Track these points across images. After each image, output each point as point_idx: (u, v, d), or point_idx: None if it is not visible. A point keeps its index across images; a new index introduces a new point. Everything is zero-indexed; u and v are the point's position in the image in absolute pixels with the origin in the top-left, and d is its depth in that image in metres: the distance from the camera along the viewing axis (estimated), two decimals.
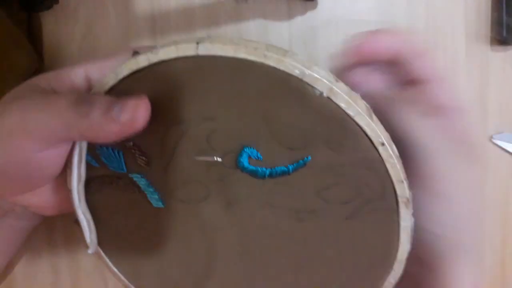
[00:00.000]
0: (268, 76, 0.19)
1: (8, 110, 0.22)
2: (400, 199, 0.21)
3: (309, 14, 0.35)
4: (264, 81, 0.19)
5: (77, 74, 0.24)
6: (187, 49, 0.20)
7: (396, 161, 0.20)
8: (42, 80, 0.24)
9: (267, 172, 0.21)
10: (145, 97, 0.21)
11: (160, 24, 0.35)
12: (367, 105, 0.20)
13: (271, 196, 0.22)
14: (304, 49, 0.36)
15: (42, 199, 0.25)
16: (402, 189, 0.20)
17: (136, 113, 0.21)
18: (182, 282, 0.26)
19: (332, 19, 0.35)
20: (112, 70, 0.22)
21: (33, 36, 0.35)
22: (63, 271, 0.37)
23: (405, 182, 0.20)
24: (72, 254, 0.37)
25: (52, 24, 0.35)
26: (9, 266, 0.37)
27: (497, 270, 0.39)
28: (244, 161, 0.22)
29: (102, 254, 0.27)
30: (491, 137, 0.37)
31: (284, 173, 0.21)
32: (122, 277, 0.27)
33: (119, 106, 0.20)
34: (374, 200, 0.21)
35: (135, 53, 0.23)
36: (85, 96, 0.21)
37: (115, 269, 0.27)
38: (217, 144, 0.22)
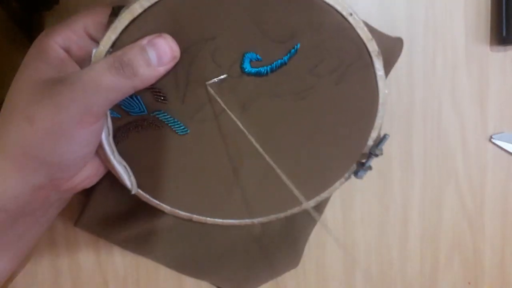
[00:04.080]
0: None
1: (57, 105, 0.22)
2: (372, 54, 0.26)
3: None
4: None
5: (79, 27, 0.25)
6: None
7: (363, 25, 0.25)
8: (51, 51, 0.24)
9: (269, 68, 0.25)
10: (162, 32, 0.23)
11: None
12: None
13: (275, 88, 0.26)
14: None
15: (89, 170, 0.26)
16: (372, 45, 0.25)
17: (171, 49, 0.23)
18: (216, 184, 0.29)
19: None
20: (110, 26, 0.23)
21: (34, 37, 0.35)
22: (64, 271, 0.37)
23: (373, 40, 0.25)
24: (73, 253, 0.37)
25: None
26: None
27: (497, 270, 0.39)
28: (247, 66, 0.25)
29: (142, 192, 0.29)
30: (491, 137, 0.37)
31: (282, 65, 0.25)
32: (165, 206, 0.30)
33: (152, 51, 0.23)
34: (354, 61, 0.26)
35: (115, 8, 0.25)
36: (115, 58, 0.23)
37: (157, 201, 0.30)
38: (222, 60, 0.25)
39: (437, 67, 0.36)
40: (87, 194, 0.34)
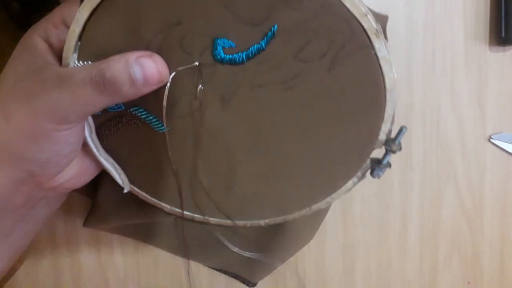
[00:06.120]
0: None
1: (29, 96, 0.22)
2: (369, 32, 0.22)
3: None
4: None
5: (57, 20, 0.25)
6: None
7: None
8: (37, 36, 0.24)
9: (244, 55, 0.22)
10: (154, 53, 0.22)
11: None
12: None
13: (256, 78, 0.23)
14: None
15: (74, 170, 0.26)
16: (368, 22, 0.21)
17: (159, 73, 0.22)
18: (217, 186, 0.27)
19: None
20: (74, 18, 0.22)
21: None
22: (65, 271, 0.37)
23: (368, 15, 0.21)
24: (74, 253, 0.37)
25: None
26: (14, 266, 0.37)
27: (496, 270, 0.39)
28: (220, 52, 0.22)
29: (137, 189, 0.28)
30: (490, 137, 0.37)
31: (259, 50, 0.22)
32: (164, 204, 0.29)
33: (139, 70, 0.21)
34: (347, 42, 0.22)
35: None
36: (97, 71, 0.21)
37: (155, 200, 0.28)
38: (191, 47, 0.22)
39: (436, 67, 0.36)
40: (91, 195, 0.34)
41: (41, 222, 0.29)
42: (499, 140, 0.37)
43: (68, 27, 0.25)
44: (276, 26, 0.21)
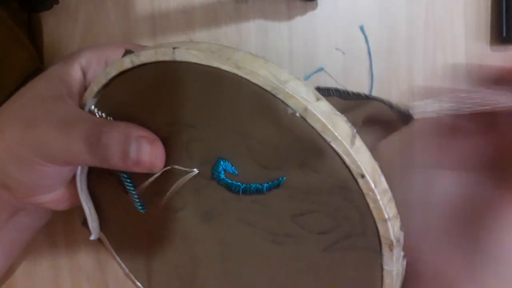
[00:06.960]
0: (241, 88, 0.18)
1: (29, 126, 0.22)
2: (383, 240, 0.18)
3: (309, 14, 0.35)
4: (237, 92, 0.18)
5: (102, 57, 0.26)
6: (164, 54, 0.19)
7: (379, 197, 0.17)
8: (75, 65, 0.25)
9: (241, 187, 0.20)
10: (158, 139, 0.21)
11: (160, 24, 0.35)
12: (353, 128, 0.18)
13: (247, 214, 0.21)
14: (304, 49, 0.36)
15: (56, 195, 0.26)
16: (385, 229, 0.18)
17: (151, 163, 0.21)
18: (170, 282, 0.26)
19: (332, 19, 0.35)
20: (103, 69, 0.22)
21: (34, 36, 0.35)
22: (64, 272, 0.37)
23: (390, 221, 0.18)
24: (73, 254, 0.37)
25: (52, 24, 0.35)
26: (12, 266, 0.37)
27: None
28: (220, 173, 0.21)
29: (106, 241, 0.28)
30: None
31: (258, 191, 0.20)
32: (123, 265, 0.28)
33: (135, 149, 0.21)
34: (354, 235, 0.19)
35: (127, 52, 0.23)
36: (95, 130, 0.21)
37: (117, 257, 0.28)
38: (195, 153, 0.21)
39: (437, 67, 0.36)
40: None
41: (27, 232, 0.29)
42: None
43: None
44: (284, 179, 0.19)
